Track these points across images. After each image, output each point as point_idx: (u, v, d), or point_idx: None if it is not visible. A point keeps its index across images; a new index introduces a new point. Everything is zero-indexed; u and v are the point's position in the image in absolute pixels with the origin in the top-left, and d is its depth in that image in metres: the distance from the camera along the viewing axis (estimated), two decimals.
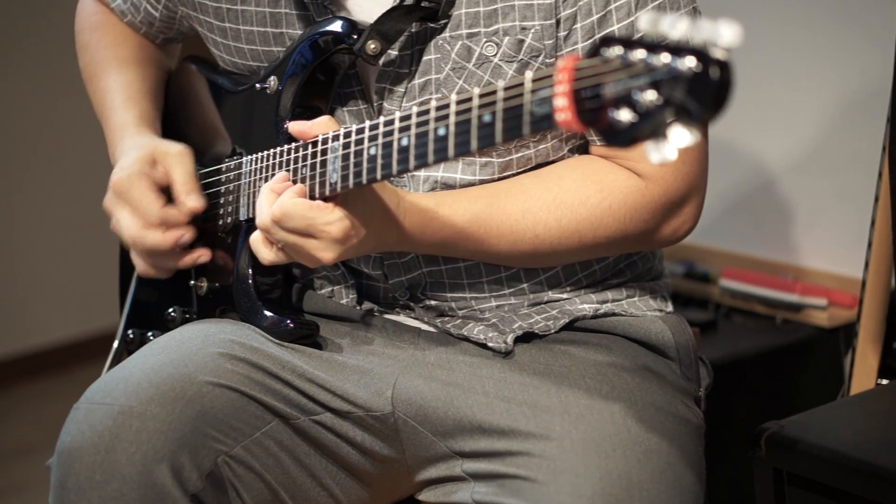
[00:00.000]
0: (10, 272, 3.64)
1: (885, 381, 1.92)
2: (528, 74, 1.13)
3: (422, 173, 1.46)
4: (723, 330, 2.37)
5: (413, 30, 1.43)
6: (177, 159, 1.54)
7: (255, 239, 1.39)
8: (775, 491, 1.64)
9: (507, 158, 1.45)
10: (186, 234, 1.52)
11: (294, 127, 1.40)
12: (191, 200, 1.52)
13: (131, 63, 1.70)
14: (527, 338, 1.47)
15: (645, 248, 1.51)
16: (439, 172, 1.45)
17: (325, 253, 1.33)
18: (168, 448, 1.33)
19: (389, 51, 1.44)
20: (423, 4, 1.40)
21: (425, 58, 1.44)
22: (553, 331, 1.48)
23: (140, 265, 1.57)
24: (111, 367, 1.66)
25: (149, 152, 1.54)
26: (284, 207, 1.33)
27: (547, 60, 1.41)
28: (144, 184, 1.51)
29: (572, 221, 1.41)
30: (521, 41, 1.41)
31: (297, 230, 1.33)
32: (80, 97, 1.93)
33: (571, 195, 1.41)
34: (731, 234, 2.56)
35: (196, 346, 1.43)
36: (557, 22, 1.40)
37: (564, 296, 1.52)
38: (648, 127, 1.02)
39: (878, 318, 1.95)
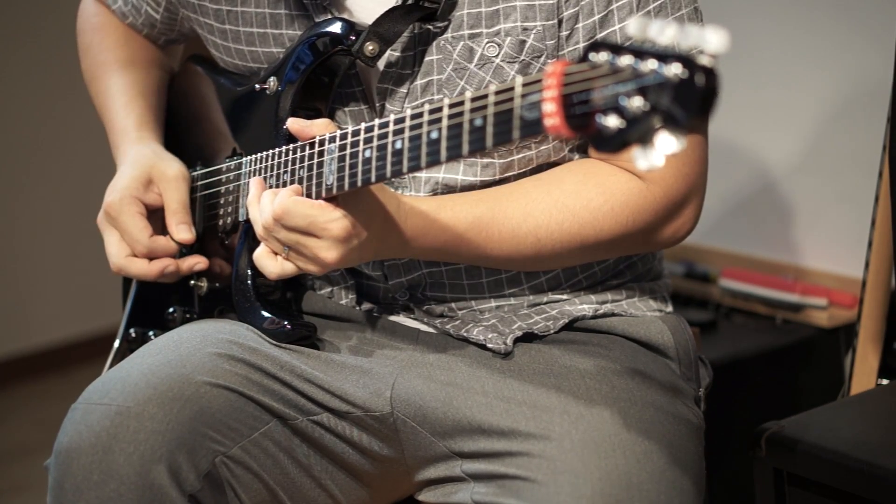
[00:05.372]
0: (10, 272, 3.64)
1: (885, 381, 1.92)
2: (519, 79, 1.13)
3: (423, 174, 1.45)
4: (723, 330, 2.37)
5: (415, 31, 1.43)
6: (172, 185, 1.55)
7: (260, 254, 1.39)
8: (775, 491, 1.64)
9: (509, 159, 1.44)
10: (170, 266, 1.54)
11: (293, 124, 1.40)
12: (180, 232, 1.55)
13: (133, 64, 1.70)
14: (526, 338, 1.47)
15: (646, 249, 1.51)
16: (440, 174, 1.45)
17: (329, 252, 1.33)
18: (166, 448, 1.33)
19: (392, 52, 1.44)
20: (422, 4, 1.40)
21: (427, 58, 1.44)
22: (553, 331, 1.48)
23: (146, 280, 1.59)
24: (112, 365, 1.66)
25: (145, 172, 1.56)
26: (285, 205, 1.33)
27: (549, 61, 1.41)
28: (134, 209, 1.53)
29: (574, 224, 1.40)
30: (523, 42, 1.41)
31: (299, 228, 1.33)
32: (80, 97, 1.93)
33: (573, 198, 1.41)
34: (731, 234, 2.56)
35: (194, 347, 1.43)
36: (559, 22, 1.40)
37: (564, 296, 1.51)
38: (636, 133, 1.02)
39: (879, 318, 1.95)
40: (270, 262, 1.38)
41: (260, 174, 1.47)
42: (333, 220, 1.32)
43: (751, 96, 2.42)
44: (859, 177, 2.27)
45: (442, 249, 1.40)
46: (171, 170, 1.57)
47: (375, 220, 1.35)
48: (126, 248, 1.54)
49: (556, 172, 1.44)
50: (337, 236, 1.32)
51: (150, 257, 1.54)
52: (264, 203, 1.36)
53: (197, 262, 1.57)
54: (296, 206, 1.33)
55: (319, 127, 1.38)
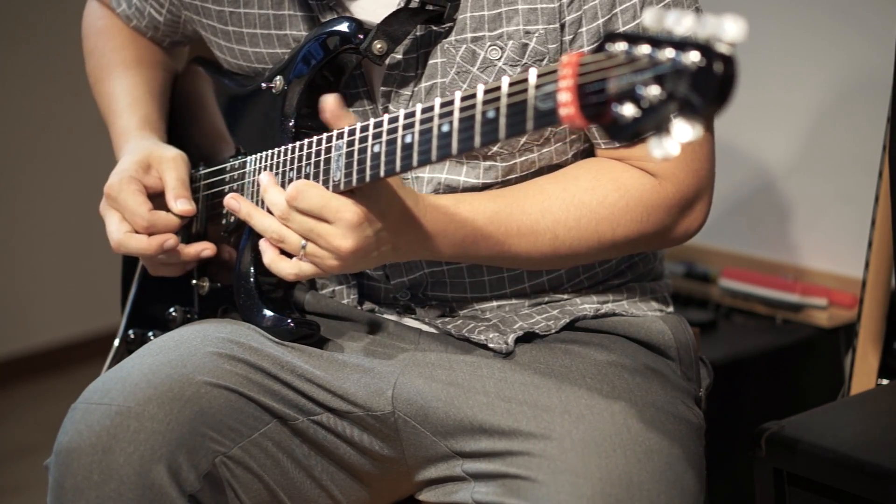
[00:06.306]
0: (10, 272, 3.64)
1: (885, 381, 1.92)
2: (533, 70, 1.13)
3: (426, 175, 1.45)
4: (723, 330, 2.37)
5: (419, 33, 1.43)
6: (170, 164, 1.54)
7: (272, 259, 1.37)
8: (775, 491, 1.64)
9: (511, 162, 1.44)
10: (171, 240, 1.51)
11: (331, 102, 1.33)
12: (179, 205, 1.53)
13: (136, 66, 1.70)
14: (527, 338, 1.47)
15: (659, 246, 1.50)
16: (443, 174, 1.45)
17: (343, 240, 1.31)
18: (166, 448, 1.33)
19: (395, 54, 1.43)
20: (427, 8, 1.40)
21: (431, 61, 1.44)
22: (554, 331, 1.48)
23: (149, 268, 1.58)
24: (111, 366, 1.66)
25: (143, 157, 1.55)
26: (298, 186, 1.32)
27: (551, 64, 1.41)
28: (133, 188, 1.51)
29: (591, 221, 1.40)
30: (525, 45, 1.41)
31: (312, 211, 1.31)
32: (81, 97, 1.94)
33: (589, 195, 1.40)
34: (731, 234, 2.56)
35: (194, 347, 1.42)
36: (562, 26, 1.40)
37: (565, 296, 1.51)
38: (652, 121, 1.02)
39: (879, 318, 1.95)
40: (286, 265, 1.37)
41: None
42: (346, 204, 1.30)
43: (750, 96, 2.41)
44: (859, 177, 2.27)
45: (462, 245, 1.38)
46: (168, 152, 1.56)
47: (392, 214, 1.33)
48: (127, 225, 1.52)
49: (570, 170, 1.44)
50: (350, 221, 1.30)
51: (151, 233, 1.51)
52: (275, 195, 1.35)
53: (205, 247, 1.55)
54: (309, 187, 1.32)
55: (349, 119, 1.35)
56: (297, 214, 1.33)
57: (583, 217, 1.40)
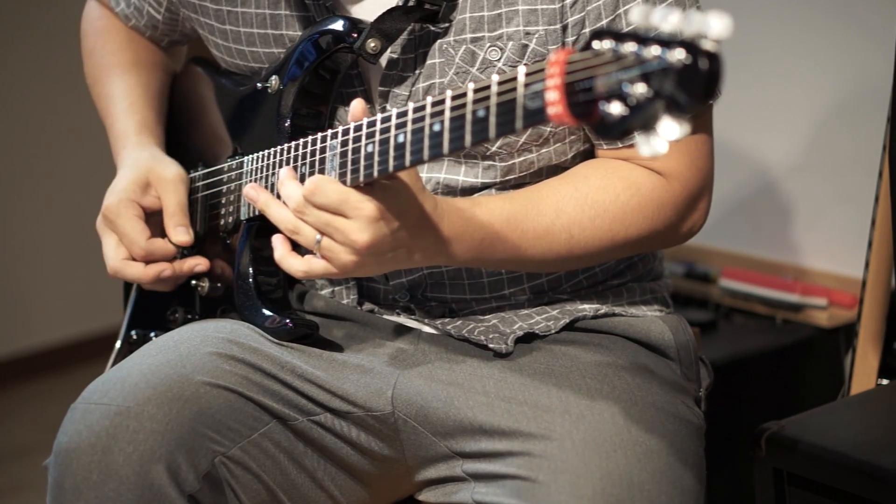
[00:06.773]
0: (10, 272, 3.64)
1: (885, 381, 1.92)
2: (522, 69, 1.13)
3: (424, 174, 1.45)
4: (723, 330, 2.37)
5: (417, 33, 1.43)
6: (170, 187, 1.55)
7: (282, 255, 1.35)
8: (775, 491, 1.64)
9: (510, 162, 1.44)
10: (167, 270, 1.54)
11: (360, 104, 1.33)
12: (178, 234, 1.55)
13: (134, 68, 1.70)
14: (527, 338, 1.47)
15: (667, 244, 1.50)
16: (441, 174, 1.45)
17: (361, 234, 1.28)
18: (165, 448, 1.33)
19: (392, 54, 1.43)
20: (423, 6, 1.40)
21: (429, 61, 1.43)
22: (553, 331, 1.48)
23: (142, 284, 1.59)
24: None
25: (143, 174, 1.56)
26: (316, 182, 1.30)
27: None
28: (132, 212, 1.53)
29: (605, 220, 1.40)
30: (525, 46, 1.41)
31: (330, 206, 1.29)
32: (81, 97, 1.94)
33: (602, 194, 1.40)
34: (731, 234, 2.56)
35: (194, 347, 1.42)
36: (564, 27, 1.40)
37: (565, 297, 1.51)
38: (639, 120, 1.02)
39: (879, 318, 1.95)
40: (296, 261, 1.35)
41: (261, 172, 1.47)
42: (365, 199, 1.28)
43: (751, 96, 2.42)
44: (859, 177, 2.27)
45: (478, 249, 1.37)
46: (169, 172, 1.57)
47: (411, 216, 1.31)
48: (123, 250, 1.54)
49: (579, 170, 1.44)
50: (369, 216, 1.28)
51: (148, 260, 1.54)
52: (292, 187, 1.34)
53: (197, 263, 1.57)
54: (327, 183, 1.30)
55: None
56: (313, 209, 1.31)
57: (597, 216, 1.40)
